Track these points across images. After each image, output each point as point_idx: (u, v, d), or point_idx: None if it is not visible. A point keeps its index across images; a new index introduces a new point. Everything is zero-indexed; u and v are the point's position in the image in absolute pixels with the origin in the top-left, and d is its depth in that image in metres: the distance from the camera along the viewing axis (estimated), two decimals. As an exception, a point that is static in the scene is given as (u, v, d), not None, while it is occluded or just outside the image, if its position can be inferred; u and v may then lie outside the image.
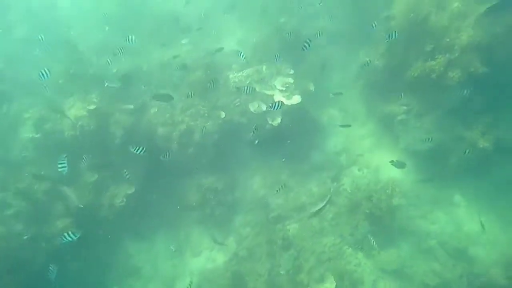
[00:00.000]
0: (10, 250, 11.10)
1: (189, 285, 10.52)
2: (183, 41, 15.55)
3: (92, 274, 12.60)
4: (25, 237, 11.20)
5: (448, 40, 11.09)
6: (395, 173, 12.80)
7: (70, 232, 8.71)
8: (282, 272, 11.50)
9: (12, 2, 19.27)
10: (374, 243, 10.74)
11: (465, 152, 10.67)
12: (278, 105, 9.89)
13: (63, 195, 12.30)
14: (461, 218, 11.66)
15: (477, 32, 10.70)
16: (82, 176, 12.87)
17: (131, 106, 13.32)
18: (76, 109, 12.81)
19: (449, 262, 10.82)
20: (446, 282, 10.45)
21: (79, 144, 12.66)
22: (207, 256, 13.26)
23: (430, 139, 11.14)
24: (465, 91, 10.79)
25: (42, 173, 12.48)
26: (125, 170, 11.48)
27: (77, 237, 8.72)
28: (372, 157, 13.64)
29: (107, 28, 16.47)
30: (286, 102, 12.89)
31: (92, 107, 12.78)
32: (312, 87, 14.04)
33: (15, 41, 17.85)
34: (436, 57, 11.22)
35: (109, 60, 12.50)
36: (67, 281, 11.94)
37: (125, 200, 12.77)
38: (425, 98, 12.20)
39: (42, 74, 9.16)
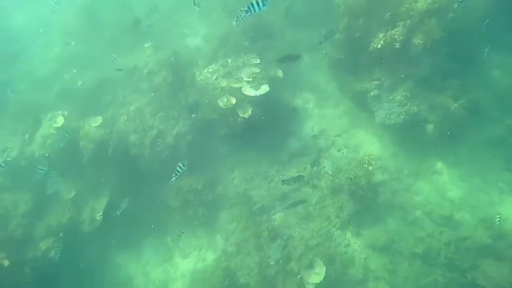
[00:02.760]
0: (-6, 279, 10.95)
1: None
2: (146, 45, 15.27)
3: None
4: (6, 264, 11.01)
5: (406, 6, 10.93)
6: (374, 149, 12.69)
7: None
8: (272, 263, 11.39)
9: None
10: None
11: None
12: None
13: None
14: (444, 186, 11.54)
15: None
16: (59, 194, 12.67)
17: (100, 118, 13.06)
18: (44, 128, 12.59)
19: (436, 230, 10.74)
20: (435, 250, 10.39)
21: (51, 163, 12.44)
22: (197, 256, 13.12)
23: None
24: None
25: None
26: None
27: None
28: (350, 136, 13.47)
29: (73, 43, 15.98)
30: (254, 92, 12.67)
31: (59, 124, 12.54)
32: (280, 74, 13.79)
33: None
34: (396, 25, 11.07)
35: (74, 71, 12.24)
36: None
37: (105, 212, 12.59)
38: (393, 70, 12.02)
39: None
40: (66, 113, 13.03)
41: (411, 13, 10.74)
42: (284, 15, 16.03)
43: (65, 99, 14.05)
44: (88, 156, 12.75)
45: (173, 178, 9.07)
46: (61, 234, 11.91)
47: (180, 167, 9.02)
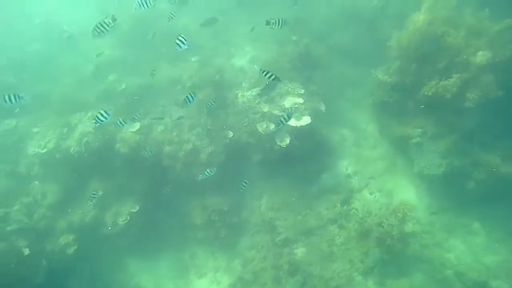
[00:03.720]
0: (10, 266, 10.92)
1: None
2: (193, 59, 15.44)
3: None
4: (26, 253, 11.02)
5: (464, 57, 10.72)
6: (409, 197, 12.30)
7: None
8: (288, 299, 11.03)
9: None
10: None
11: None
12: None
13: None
14: (480, 248, 11.01)
15: (494, 51, 10.34)
16: (86, 192, 12.70)
17: (138, 124, 13.14)
18: (83, 125, 12.77)
19: (467, 295, 10.21)
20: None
21: (84, 161, 12.55)
22: (212, 278, 12.84)
23: None
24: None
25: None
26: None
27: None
28: (385, 181, 13.14)
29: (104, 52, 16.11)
30: (295, 123, 12.57)
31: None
32: (323, 107, 13.68)
33: (28, 53, 18.15)
34: (451, 76, 10.85)
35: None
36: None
37: (128, 218, 12.53)
38: (440, 120, 11.74)
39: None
40: (106, 113, 13.14)
41: (471, 66, 10.51)
42: (332, 49, 16.02)
43: (107, 100, 14.23)
44: (121, 160, 12.79)
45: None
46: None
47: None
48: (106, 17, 8.98)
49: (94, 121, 8.94)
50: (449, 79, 10.91)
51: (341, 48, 16.09)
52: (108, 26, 8.91)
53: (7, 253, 11.01)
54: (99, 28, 8.92)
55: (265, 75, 8.79)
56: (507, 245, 10.74)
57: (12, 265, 10.79)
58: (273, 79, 8.85)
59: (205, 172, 10.44)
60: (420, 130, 12.20)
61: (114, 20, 9.05)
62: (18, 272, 11.04)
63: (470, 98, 10.63)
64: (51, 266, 11.72)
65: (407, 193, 12.56)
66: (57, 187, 12.94)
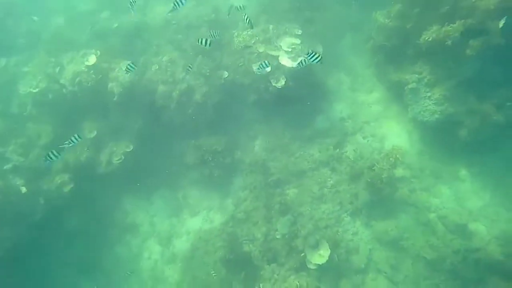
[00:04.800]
0: (9, 204, 11.25)
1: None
2: (189, -5, 14.82)
3: (90, 230, 12.81)
4: (23, 191, 11.30)
5: (472, 1, 10.27)
6: (401, 143, 12.40)
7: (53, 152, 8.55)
8: (278, 237, 11.47)
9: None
10: None
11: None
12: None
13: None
14: (464, 194, 11.29)
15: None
16: (81, 133, 12.76)
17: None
18: (75, 64, 12.52)
19: (447, 236, 10.58)
20: (441, 256, 10.25)
21: (77, 100, 12.48)
22: (205, 216, 13.31)
23: None
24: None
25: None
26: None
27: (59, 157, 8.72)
28: (379, 125, 13.17)
29: None
30: (291, 63, 12.35)
31: (91, 63, 12.44)
32: (320, 49, 13.38)
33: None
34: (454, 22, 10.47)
35: None
36: (65, 237, 12.24)
37: (123, 157, 12.70)
38: (438, 67, 11.52)
39: None
40: (98, 52, 12.89)
41: (476, 12, 10.08)
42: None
43: (100, 39, 13.89)
44: (114, 99, 12.71)
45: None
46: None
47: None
48: None
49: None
50: (452, 25, 10.55)
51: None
52: None
53: (5, 190, 11.27)
54: None
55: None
56: (491, 191, 11.01)
57: (10, 202, 11.09)
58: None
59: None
60: (417, 76, 12.02)
61: None
62: (17, 210, 11.38)
63: (473, 45, 10.33)
64: (48, 204, 12.04)
65: (400, 138, 12.64)
66: (50, 127, 12.99)
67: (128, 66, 9.80)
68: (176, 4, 8.89)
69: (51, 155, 8.53)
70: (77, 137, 8.80)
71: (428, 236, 10.77)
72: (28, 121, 12.95)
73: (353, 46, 14.82)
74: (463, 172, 11.56)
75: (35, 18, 14.95)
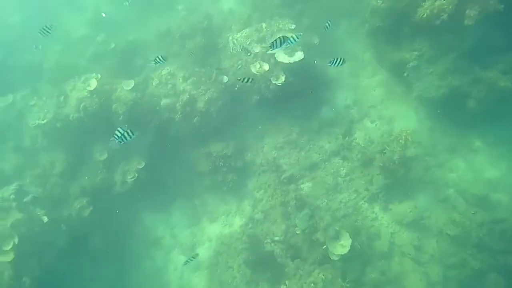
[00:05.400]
0: (33, 234, 11.57)
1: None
2: (180, 7, 14.96)
3: (113, 248, 13.05)
4: (45, 221, 11.60)
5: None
6: (409, 122, 12.26)
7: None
8: (298, 232, 11.47)
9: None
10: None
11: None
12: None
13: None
14: (481, 165, 11.06)
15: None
16: (92, 155, 13.04)
17: (132, 81, 13.11)
18: (78, 91, 12.80)
19: (469, 210, 10.39)
20: (465, 230, 10.04)
21: (85, 125, 12.74)
22: (224, 221, 13.41)
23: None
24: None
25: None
26: None
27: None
28: (385, 108, 13.04)
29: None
30: (288, 59, 12.34)
31: (92, 87, 12.68)
32: (316, 40, 13.34)
33: (11, 27, 17.72)
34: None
35: None
36: (90, 258, 12.50)
37: (136, 175, 12.91)
38: (437, 41, 11.33)
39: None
40: (99, 76, 13.13)
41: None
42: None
43: (98, 62, 14.16)
44: (120, 119, 12.92)
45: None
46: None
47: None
48: None
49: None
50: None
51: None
52: None
53: (28, 222, 11.59)
54: None
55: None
56: (507, 159, 10.75)
57: (33, 233, 11.39)
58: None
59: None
60: (416, 53, 11.84)
61: None
62: (41, 239, 11.69)
63: (470, 15, 10.12)
64: (70, 229, 12.33)
65: (407, 118, 12.48)
66: (63, 155, 13.35)
67: (157, 58, 9.89)
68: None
69: (122, 133, 8.37)
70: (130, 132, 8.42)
71: (449, 212, 10.59)
72: (40, 152, 13.31)
73: (349, 32, 14.68)
74: (477, 144, 11.34)
75: (39, 47, 15.22)
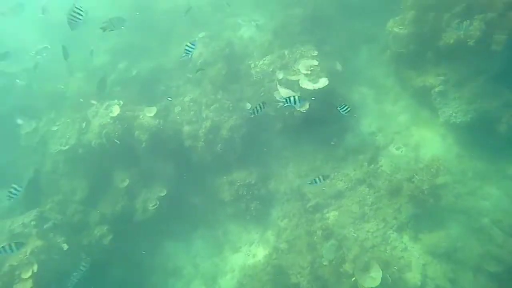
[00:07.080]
0: (52, 262, 11.32)
1: None
2: (200, 35, 15.10)
3: (134, 278, 12.71)
4: (65, 248, 11.38)
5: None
6: (436, 148, 11.98)
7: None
8: (325, 263, 11.04)
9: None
10: None
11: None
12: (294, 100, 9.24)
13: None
14: (516, 192, 10.71)
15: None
16: (113, 183, 12.90)
17: (154, 108, 13.10)
18: (100, 117, 12.81)
19: (508, 241, 9.92)
20: (506, 264, 9.53)
21: (107, 152, 12.68)
22: (247, 251, 13.01)
23: None
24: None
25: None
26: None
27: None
28: (410, 134, 12.79)
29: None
30: (312, 86, 12.28)
31: (115, 114, 12.69)
32: (339, 67, 13.31)
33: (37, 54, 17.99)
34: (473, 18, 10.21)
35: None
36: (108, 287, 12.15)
37: (158, 203, 12.71)
38: (464, 66, 11.21)
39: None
40: (121, 102, 13.17)
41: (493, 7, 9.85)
42: (343, 6, 15.38)
43: (121, 89, 14.24)
44: (142, 146, 12.84)
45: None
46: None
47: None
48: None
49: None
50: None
51: (351, 4, 15.41)
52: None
53: (48, 250, 11.37)
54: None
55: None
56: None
57: (53, 261, 11.16)
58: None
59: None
60: (442, 78, 11.74)
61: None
62: (61, 267, 11.43)
63: (498, 40, 10.02)
64: (91, 257, 12.06)
65: (434, 144, 12.21)
66: (84, 182, 13.24)
67: (187, 47, 9.50)
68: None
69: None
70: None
71: (486, 243, 10.12)
72: (62, 178, 13.22)
73: (370, 58, 14.66)
74: (511, 170, 10.97)
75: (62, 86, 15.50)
